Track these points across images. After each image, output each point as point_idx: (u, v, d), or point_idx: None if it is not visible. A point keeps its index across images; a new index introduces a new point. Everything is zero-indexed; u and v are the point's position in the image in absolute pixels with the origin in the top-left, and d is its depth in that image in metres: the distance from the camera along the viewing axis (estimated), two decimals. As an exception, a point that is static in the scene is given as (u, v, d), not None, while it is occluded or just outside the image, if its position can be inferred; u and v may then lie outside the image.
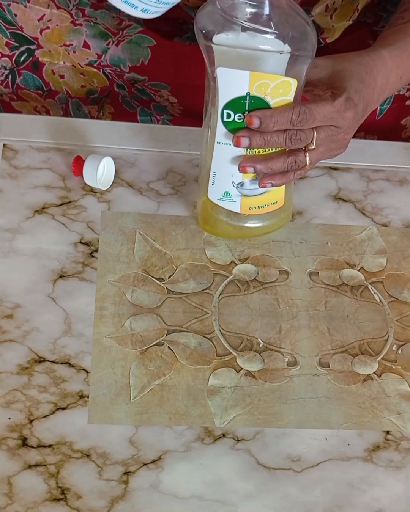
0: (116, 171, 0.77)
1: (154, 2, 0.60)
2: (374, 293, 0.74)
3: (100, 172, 0.74)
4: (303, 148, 0.64)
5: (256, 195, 0.67)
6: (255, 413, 0.65)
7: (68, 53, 0.85)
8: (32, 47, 0.85)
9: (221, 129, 0.63)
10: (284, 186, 0.68)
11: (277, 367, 0.68)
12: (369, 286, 0.74)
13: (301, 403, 0.66)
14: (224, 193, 0.67)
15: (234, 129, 0.62)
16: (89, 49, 0.84)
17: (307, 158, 0.64)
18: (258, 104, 0.61)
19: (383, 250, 0.77)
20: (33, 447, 0.61)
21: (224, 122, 0.62)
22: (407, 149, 0.85)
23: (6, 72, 0.88)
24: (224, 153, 0.64)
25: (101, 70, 0.85)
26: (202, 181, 0.70)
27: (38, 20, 0.83)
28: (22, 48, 0.86)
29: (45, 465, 0.60)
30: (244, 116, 0.61)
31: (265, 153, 0.64)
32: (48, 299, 0.68)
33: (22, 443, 0.61)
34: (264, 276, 0.73)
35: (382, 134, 0.91)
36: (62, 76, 0.87)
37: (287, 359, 0.68)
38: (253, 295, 0.72)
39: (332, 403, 0.66)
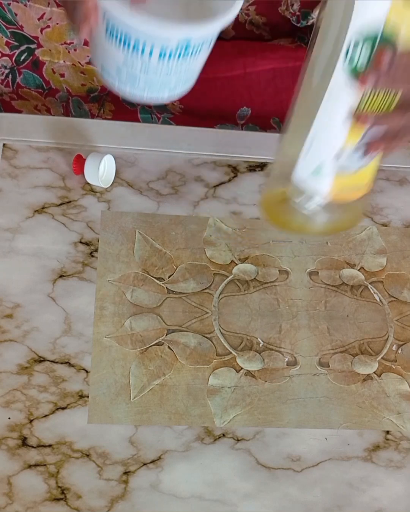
0: (116, 171, 0.77)
1: (174, 84, 0.59)
2: (374, 292, 0.74)
3: (101, 171, 0.74)
4: None
5: (350, 172, 0.59)
6: (255, 413, 0.65)
7: (69, 52, 0.85)
8: (32, 46, 0.85)
9: (339, 72, 0.54)
10: (375, 168, 0.61)
11: (277, 367, 0.68)
12: (369, 286, 0.74)
13: (301, 403, 0.66)
14: (316, 168, 0.58)
15: (355, 73, 0.54)
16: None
17: None
18: (390, 39, 0.53)
19: (383, 249, 0.77)
20: (33, 447, 0.61)
21: (347, 60, 0.53)
22: (407, 149, 0.85)
23: (7, 71, 0.87)
24: (333, 106, 0.55)
25: None
26: (278, 171, 0.62)
27: (38, 19, 0.83)
28: (22, 48, 0.86)
29: (45, 465, 0.60)
30: (371, 56, 0.53)
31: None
32: (48, 299, 0.68)
33: (22, 443, 0.61)
34: (264, 276, 0.73)
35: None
36: (62, 75, 0.87)
37: (286, 359, 0.68)
38: (253, 295, 0.72)
39: (332, 403, 0.66)
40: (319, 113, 0.56)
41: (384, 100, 0.55)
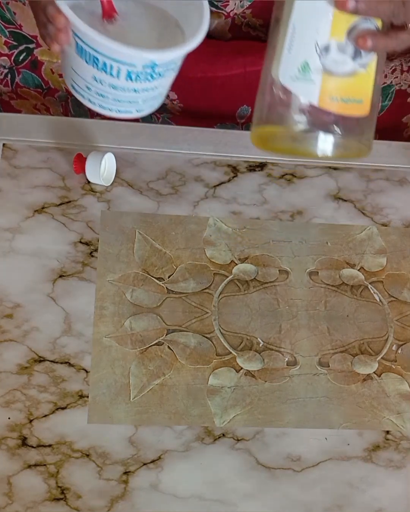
0: (116, 171, 0.77)
1: (142, 102, 0.61)
2: (374, 292, 0.74)
3: (102, 169, 0.75)
4: None
5: (342, 74, 0.53)
6: (255, 412, 0.65)
7: (68, 51, 0.85)
8: (31, 46, 0.85)
9: None
10: (372, 81, 0.55)
11: (277, 366, 0.68)
12: (369, 286, 0.74)
13: (301, 402, 0.66)
14: (302, 66, 0.52)
15: None
16: None
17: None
18: None
19: (383, 249, 0.77)
20: (33, 447, 0.61)
21: None
22: (407, 148, 0.85)
23: (5, 71, 0.87)
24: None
25: None
26: (270, 58, 0.56)
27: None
28: (21, 47, 0.86)
29: (45, 465, 0.60)
30: None
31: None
32: (48, 299, 0.68)
33: (22, 442, 0.61)
34: (264, 276, 0.73)
35: (384, 132, 0.91)
36: (61, 75, 0.87)
37: (286, 359, 0.68)
38: (252, 294, 0.72)
39: (332, 403, 0.66)
40: (297, 1, 0.52)
41: None
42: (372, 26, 0.53)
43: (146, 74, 0.57)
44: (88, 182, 0.75)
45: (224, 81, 0.84)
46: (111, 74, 0.57)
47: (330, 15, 0.52)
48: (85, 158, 0.74)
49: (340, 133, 0.55)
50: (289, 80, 0.53)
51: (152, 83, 0.59)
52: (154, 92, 0.61)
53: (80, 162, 0.75)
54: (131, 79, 0.57)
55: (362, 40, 0.52)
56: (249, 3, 0.78)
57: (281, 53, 0.54)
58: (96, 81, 0.58)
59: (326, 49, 0.52)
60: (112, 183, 0.76)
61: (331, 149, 0.56)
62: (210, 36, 0.86)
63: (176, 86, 0.85)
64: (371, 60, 0.55)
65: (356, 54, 0.53)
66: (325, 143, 0.56)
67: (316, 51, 0.52)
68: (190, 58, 0.83)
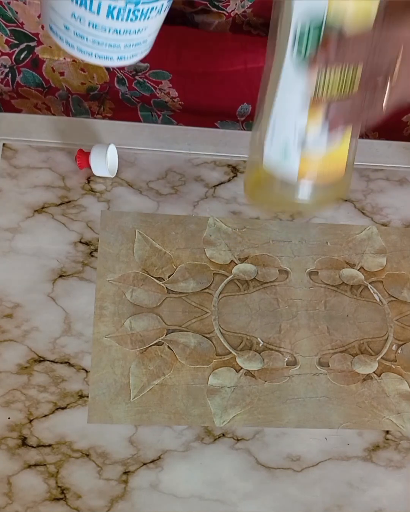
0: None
1: (124, 48, 0.59)
2: (374, 292, 0.74)
3: (107, 160, 0.75)
4: (382, 84, 0.57)
5: (319, 153, 0.59)
6: (255, 412, 0.65)
7: (68, 49, 0.85)
8: (32, 44, 0.85)
9: (289, 59, 0.56)
10: (346, 152, 0.62)
11: (277, 366, 0.68)
12: (369, 286, 0.74)
13: (301, 402, 0.66)
14: (282, 151, 0.59)
15: (305, 58, 0.55)
16: None
17: (386, 95, 0.57)
18: (335, 27, 0.54)
19: (382, 249, 0.77)
20: (32, 446, 0.61)
21: (296, 47, 0.55)
22: (407, 148, 0.85)
23: (6, 70, 0.87)
24: (290, 90, 0.57)
25: None
26: (255, 144, 0.63)
27: (39, 17, 0.83)
28: (22, 46, 0.86)
29: (44, 465, 0.60)
30: (319, 41, 0.54)
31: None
32: (48, 299, 0.68)
33: (21, 442, 0.61)
34: (264, 276, 0.73)
35: (384, 132, 0.91)
36: (62, 73, 0.87)
37: (286, 359, 0.68)
38: (252, 294, 0.72)
39: (331, 403, 0.66)
40: (277, 100, 0.57)
41: (341, 81, 0.56)
42: (347, 104, 0.58)
43: (129, 12, 0.55)
44: (89, 181, 0.75)
45: (225, 77, 0.84)
46: (91, 10, 0.55)
47: (307, 106, 0.57)
48: (88, 153, 0.75)
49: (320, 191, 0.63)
50: (272, 164, 0.60)
51: (135, 24, 0.57)
52: (138, 37, 0.59)
53: (83, 156, 0.75)
54: (112, 17, 0.55)
55: (335, 124, 0.57)
56: (250, 3, 0.78)
57: (264, 143, 0.60)
58: (75, 18, 0.56)
59: (303, 137, 0.57)
60: (112, 182, 0.76)
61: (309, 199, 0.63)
62: (214, 28, 0.85)
63: (177, 82, 0.86)
64: (345, 133, 0.60)
65: (330, 136, 0.58)
66: (307, 195, 0.62)
67: (294, 136, 0.58)
68: (191, 53, 0.83)
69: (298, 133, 0.58)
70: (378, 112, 0.58)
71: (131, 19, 0.56)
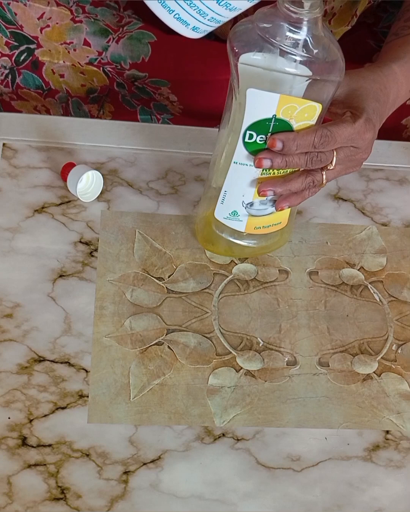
0: (116, 171, 0.77)
1: (208, 21, 0.60)
2: (374, 292, 0.74)
3: (83, 184, 0.73)
4: (321, 168, 0.64)
5: (263, 215, 0.67)
6: (255, 412, 0.65)
7: (68, 52, 0.85)
8: (32, 46, 0.85)
9: (240, 149, 0.62)
10: (289, 210, 0.68)
11: (277, 366, 0.68)
12: (369, 286, 0.74)
13: (301, 402, 0.66)
14: (232, 212, 0.66)
15: (254, 151, 0.62)
16: (90, 46, 0.84)
17: (324, 177, 0.65)
18: (282, 127, 0.60)
19: (382, 249, 0.77)
20: (32, 446, 0.61)
21: (245, 143, 0.61)
22: (407, 148, 0.85)
23: (6, 71, 0.87)
24: (239, 173, 0.64)
25: (101, 68, 0.85)
26: (206, 199, 0.70)
27: (38, 19, 0.83)
28: (22, 48, 0.86)
29: (44, 465, 0.60)
30: (266, 138, 0.61)
31: (280, 174, 0.64)
32: (48, 299, 0.68)
33: (22, 442, 0.61)
34: (264, 276, 0.73)
35: (383, 134, 0.91)
36: (62, 75, 0.87)
37: (286, 359, 0.68)
38: (252, 294, 0.72)
39: (331, 403, 0.66)
40: (229, 174, 0.64)
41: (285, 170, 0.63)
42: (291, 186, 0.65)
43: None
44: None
45: (225, 84, 0.84)
46: None
47: (254, 186, 0.64)
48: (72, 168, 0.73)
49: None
50: (222, 219, 0.68)
51: (232, 13, 0.60)
52: (223, 19, 0.61)
53: (66, 171, 0.74)
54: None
55: (280, 206, 0.65)
56: (254, 4, 0.78)
57: (214, 203, 0.67)
58: None
59: (250, 204, 0.65)
60: (111, 182, 0.76)
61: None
62: (214, 37, 0.86)
63: (176, 88, 0.86)
64: None
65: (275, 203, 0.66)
66: (254, 243, 0.71)
67: (243, 205, 0.66)
68: (192, 61, 0.83)
69: (245, 205, 0.66)
70: (317, 189, 0.66)
71: (230, 9, 0.60)
